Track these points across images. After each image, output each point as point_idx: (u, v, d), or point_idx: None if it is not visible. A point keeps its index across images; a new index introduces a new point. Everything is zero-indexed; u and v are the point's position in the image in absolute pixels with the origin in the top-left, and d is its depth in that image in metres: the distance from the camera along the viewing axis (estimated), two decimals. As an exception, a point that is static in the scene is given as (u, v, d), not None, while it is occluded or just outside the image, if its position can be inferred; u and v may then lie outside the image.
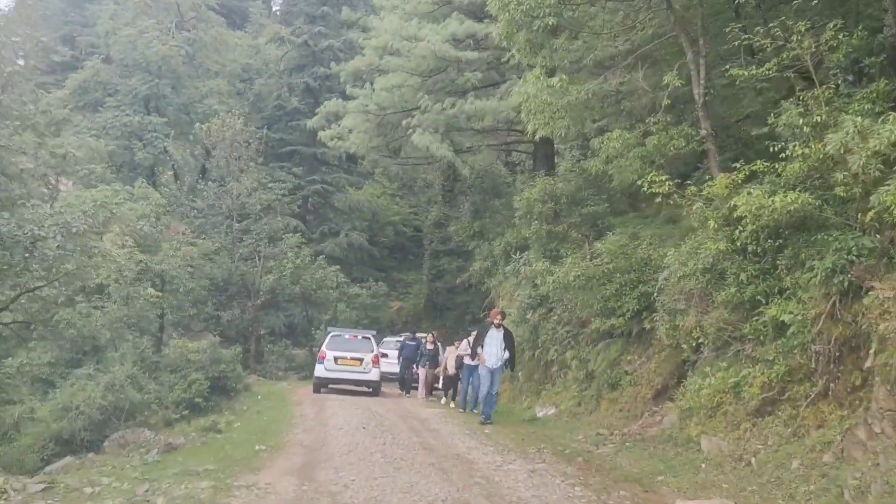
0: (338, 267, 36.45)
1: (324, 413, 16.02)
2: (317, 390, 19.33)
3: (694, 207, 11.25)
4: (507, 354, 15.17)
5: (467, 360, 16.72)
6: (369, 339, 20.54)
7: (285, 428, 13.78)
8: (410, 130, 25.33)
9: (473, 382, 16.21)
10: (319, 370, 19.32)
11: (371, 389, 19.58)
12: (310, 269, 31.73)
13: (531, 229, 18.94)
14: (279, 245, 31.20)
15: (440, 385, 20.52)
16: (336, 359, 19.08)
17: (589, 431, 13.35)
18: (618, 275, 14.65)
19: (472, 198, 30.91)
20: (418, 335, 23.49)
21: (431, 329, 51.66)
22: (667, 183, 11.60)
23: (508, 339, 15.37)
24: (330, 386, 19.55)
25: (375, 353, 19.80)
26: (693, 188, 11.56)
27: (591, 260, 16.20)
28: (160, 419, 18.40)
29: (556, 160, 26.67)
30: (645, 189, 12.19)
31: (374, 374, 19.42)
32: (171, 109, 41.06)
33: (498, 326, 15.09)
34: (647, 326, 13.58)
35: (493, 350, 15.02)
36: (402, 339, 24.51)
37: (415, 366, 20.24)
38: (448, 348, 19.99)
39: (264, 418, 16.47)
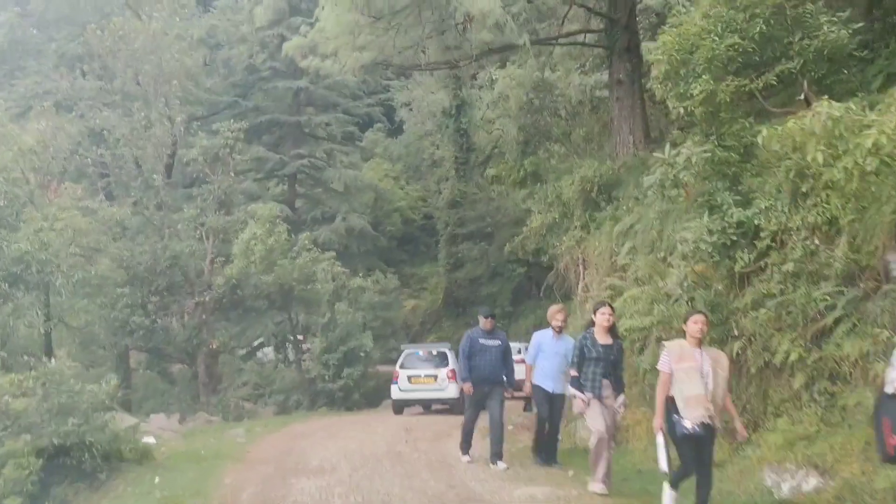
0: (333, 253, 26.25)
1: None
2: (398, 412, 17.92)
3: None
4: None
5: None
6: (444, 353, 18.41)
7: None
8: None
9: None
10: (395, 391, 18.11)
11: (449, 407, 17.54)
12: (290, 252, 21.58)
13: (699, 86, 8.64)
14: (235, 213, 20.91)
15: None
16: (409, 378, 17.76)
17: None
18: None
19: (521, 120, 20.29)
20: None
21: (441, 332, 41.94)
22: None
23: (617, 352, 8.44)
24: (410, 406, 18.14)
25: (451, 367, 17.36)
26: None
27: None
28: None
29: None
30: None
31: (451, 391, 17.19)
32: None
33: (559, 331, 9.73)
34: None
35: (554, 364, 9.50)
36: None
37: (506, 391, 10.21)
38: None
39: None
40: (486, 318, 10.08)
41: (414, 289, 43.92)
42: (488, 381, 9.69)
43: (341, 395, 23.85)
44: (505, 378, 9.84)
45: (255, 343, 25.78)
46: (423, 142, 48.73)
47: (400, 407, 17.70)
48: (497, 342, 9.84)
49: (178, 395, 20.38)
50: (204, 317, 19.86)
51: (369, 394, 26.85)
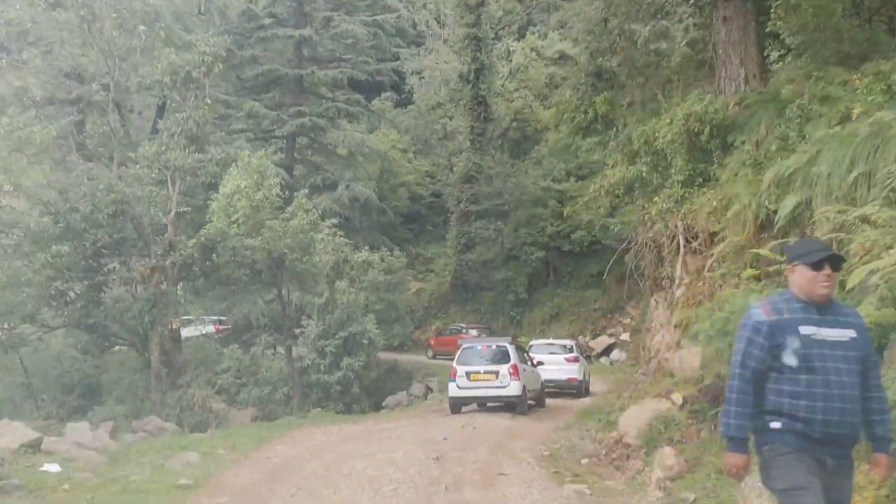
0: (334, 220, 21.70)
1: None
2: (455, 411, 16.21)
3: None
4: None
5: None
6: (505, 347, 16.52)
7: None
8: None
9: None
10: (452, 389, 16.38)
11: (513, 406, 15.92)
12: (282, 214, 17.01)
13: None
14: (208, 153, 16.24)
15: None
16: (468, 374, 16.04)
17: None
18: None
19: (590, 44, 15.45)
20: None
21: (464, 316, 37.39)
22: None
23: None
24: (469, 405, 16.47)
25: (513, 362, 15.79)
26: None
27: None
28: None
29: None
30: None
31: (513, 388, 15.61)
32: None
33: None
34: None
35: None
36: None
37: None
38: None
39: None
40: (817, 267, 3.72)
41: (419, 270, 39.60)
42: (837, 439, 3.71)
43: (339, 389, 19.45)
44: (873, 430, 3.81)
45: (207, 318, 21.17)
46: (435, 113, 44.20)
47: (458, 405, 16.42)
48: (848, 333, 3.75)
49: (124, 390, 15.88)
50: (164, 286, 15.26)
51: (370, 388, 22.44)
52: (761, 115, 10.44)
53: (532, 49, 42.32)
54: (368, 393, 22.14)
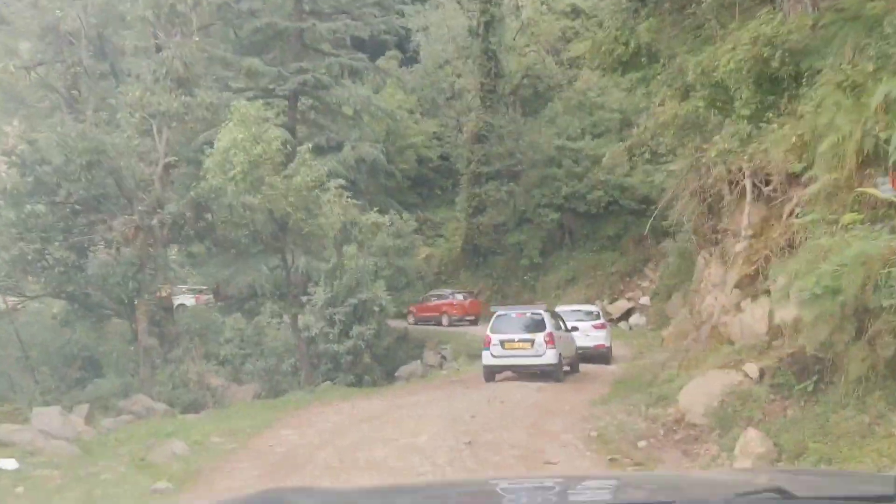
0: (341, 180, 20.09)
1: None
2: (489, 379, 15.83)
3: None
4: None
5: None
6: (540, 315, 16.19)
7: None
8: None
9: None
10: (486, 357, 16.09)
11: (549, 374, 15.52)
12: (284, 171, 15.36)
13: None
14: (197, 97, 14.52)
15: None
16: (503, 342, 15.76)
17: None
18: None
19: None
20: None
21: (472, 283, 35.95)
22: None
23: None
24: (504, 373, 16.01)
25: (549, 331, 15.53)
26: None
27: None
28: None
29: None
30: None
31: (549, 357, 15.40)
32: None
33: None
34: None
35: None
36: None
37: None
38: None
39: None
40: None
41: (428, 235, 38.01)
42: None
43: (349, 358, 18.07)
44: None
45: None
46: (442, 71, 42.14)
47: (491, 373, 16.04)
48: None
49: (113, 365, 14.40)
50: (151, 249, 13.72)
51: (382, 357, 21.05)
52: (845, 34, 8.75)
53: (542, 2, 40.18)
54: (380, 362, 20.77)
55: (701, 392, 8.47)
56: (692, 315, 10.70)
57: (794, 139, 8.39)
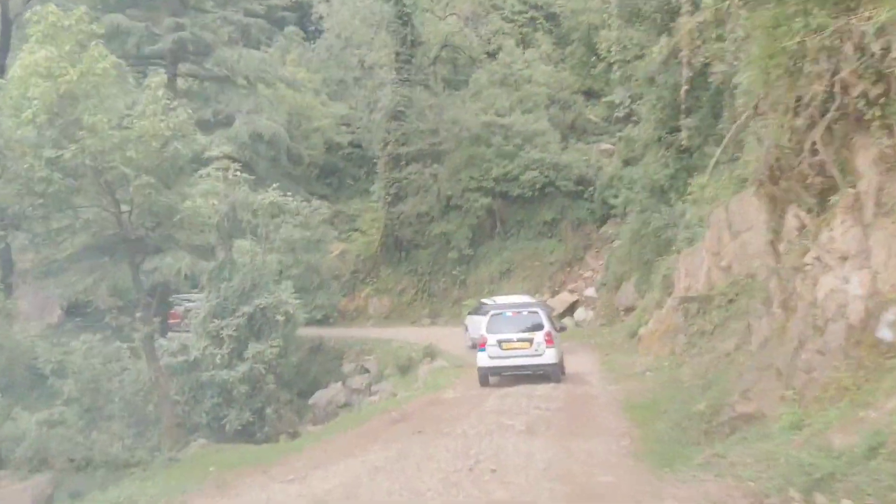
0: (225, 149, 15.17)
1: None
2: (484, 383, 15.37)
3: None
4: None
5: None
6: (537, 312, 16.14)
7: None
8: None
9: None
10: (482, 359, 15.59)
11: (549, 374, 15.21)
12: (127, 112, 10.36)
13: None
14: None
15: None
16: (500, 343, 15.40)
17: None
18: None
19: None
20: None
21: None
22: None
23: None
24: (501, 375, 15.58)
25: (547, 329, 15.44)
26: None
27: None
28: None
29: None
30: None
31: (549, 356, 15.15)
32: None
33: None
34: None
35: None
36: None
37: None
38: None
39: None
40: None
41: (342, 230, 33.28)
42: None
43: (244, 388, 13.28)
44: None
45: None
46: (350, 48, 37.32)
47: (486, 377, 15.53)
48: None
49: None
50: None
51: (290, 380, 16.28)
52: None
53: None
54: (288, 386, 16.04)
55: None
56: (785, 310, 6.68)
57: None
